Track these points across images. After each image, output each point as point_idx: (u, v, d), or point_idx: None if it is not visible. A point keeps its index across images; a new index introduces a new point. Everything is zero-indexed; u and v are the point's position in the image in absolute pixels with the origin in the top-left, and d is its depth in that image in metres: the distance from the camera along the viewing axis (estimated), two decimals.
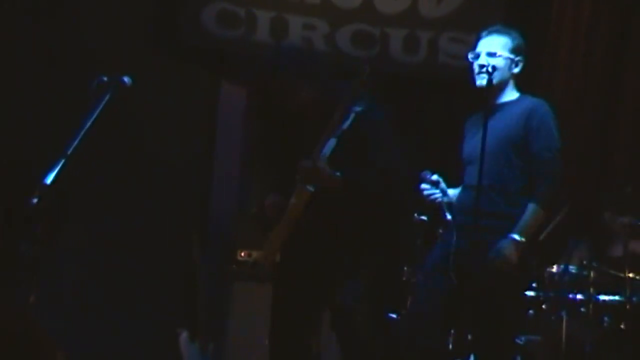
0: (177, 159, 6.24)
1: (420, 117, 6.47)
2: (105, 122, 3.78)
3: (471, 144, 4.38)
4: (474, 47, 4.44)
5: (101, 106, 3.79)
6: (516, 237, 4.15)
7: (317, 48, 6.20)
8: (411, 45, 6.30)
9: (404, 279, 5.59)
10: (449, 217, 4.29)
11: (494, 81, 4.28)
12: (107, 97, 3.82)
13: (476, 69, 4.36)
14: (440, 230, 5.57)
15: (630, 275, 5.13)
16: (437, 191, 4.33)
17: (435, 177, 4.32)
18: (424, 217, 5.53)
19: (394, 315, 5.54)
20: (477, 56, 4.37)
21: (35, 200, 3.54)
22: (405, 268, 5.61)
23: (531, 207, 4.20)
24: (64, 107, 5.17)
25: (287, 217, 4.14)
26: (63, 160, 3.64)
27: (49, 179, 3.58)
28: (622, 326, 5.07)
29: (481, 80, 4.33)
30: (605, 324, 5.12)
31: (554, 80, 6.44)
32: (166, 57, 6.16)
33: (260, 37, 6.22)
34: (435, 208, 4.33)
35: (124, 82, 3.89)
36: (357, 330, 4.17)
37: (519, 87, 4.46)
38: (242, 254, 5.90)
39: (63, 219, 4.89)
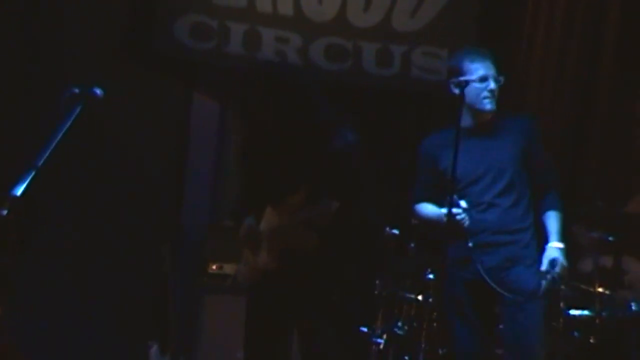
0: (148, 171, 6.21)
1: (393, 130, 6.48)
2: (77, 134, 3.75)
3: (468, 163, 4.33)
4: (461, 68, 4.40)
5: (72, 118, 3.76)
6: (560, 244, 4.29)
7: (290, 61, 6.20)
8: (384, 58, 6.32)
9: (375, 292, 5.59)
10: (470, 244, 4.26)
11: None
12: (78, 109, 3.79)
13: (485, 93, 4.37)
14: (412, 245, 5.60)
15: (600, 290, 5.16)
16: (467, 216, 4.26)
17: (464, 203, 4.26)
18: (395, 231, 5.53)
19: (364, 329, 5.54)
20: (485, 80, 4.37)
21: (4, 212, 3.51)
22: (377, 281, 5.61)
23: (555, 214, 4.37)
24: (34, 118, 5.14)
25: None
26: (33, 172, 3.61)
27: (19, 191, 3.55)
28: (591, 340, 5.09)
29: (491, 105, 4.39)
30: (575, 339, 5.14)
31: (526, 96, 6.47)
32: (139, 68, 6.14)
33: (233, 50, 6.21)
34: (460, 234, 4.25)
35: (95, 93, 3.86)
36: (322, 352, 4.17)
37: None
38: (214, 267, 5.88)
39: (32, 231, 4.85)
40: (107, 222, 6.04)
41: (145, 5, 6.21)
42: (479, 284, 4.28)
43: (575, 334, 5.13)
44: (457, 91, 4.36)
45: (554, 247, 4.30)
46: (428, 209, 4.50)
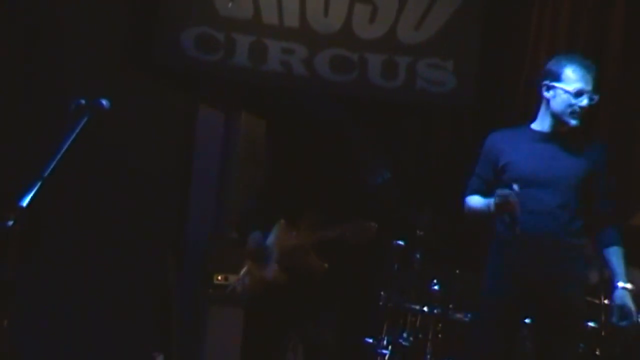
0: (153, 182, 6.22)
1: (398, 141, 6.49)
2: (82, 144, 3.76)
3: (532, 166, 4.28)
4: (558, 73, 4.31)
5: (78, 129, 3.77)
6: (629, 285, 4.25)
7: (296, 72, 6.22)
8: (390, 70, 6.32)
9: (380, 303, 5.59)
10: (518, 231, 4.17)
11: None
12: (84, 120, 3.81)
13: (576, 109, 4.28)
14: (417, 256, 5.60)
15: (606, 302, 5.14)
16: (518, 201, 4.18)
17: (516, 187, 4.17)
18: (400, 242, 5.53)
19: (370, 340, 5.54)
20: (579, 95, 4.27)
21: (10, 223, 3.52)
22: (382, 293, 5.61)
23: (619, 251, 4.31)
24: (41, 129, 5.15)
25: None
26: (39, 183, 3.62)
27: (25, 202, 3.56)
28: (597, 352, 5.08)
29: (576, 121, 4.29)
30: (580, 350, 5.13)
31: (531, 101, 6.46)
32: (144, 80, 6.15)
33: (239, 61, 6.22)
34: (512, 217, 4.19)
35: (101, 105, 3.88)
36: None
37: None
38: (219, 278, 5.88)
39: (38, 242, 4.86)
40: (112, 233, 6.04)
41: (151, 17, 6.23)
42: (522, 296, 4.26)
43: (581, 345, 5.12)
44: (547, 95, 4.31)
45: (623, 290, 4.24)
46: (478, 200, 4.42)
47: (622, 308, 4.22)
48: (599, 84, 4.40)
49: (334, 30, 6.30)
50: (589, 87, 4.28)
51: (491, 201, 4.25)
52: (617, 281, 4.26)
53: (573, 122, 4.29)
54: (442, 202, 5.85)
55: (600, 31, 6.44)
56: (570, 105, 4.28)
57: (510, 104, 6.36)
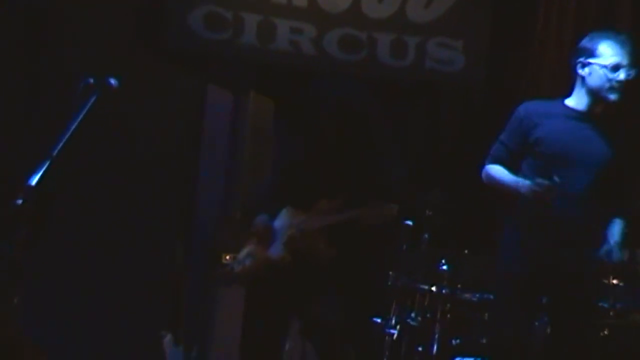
0: (161, 163, 6.21)
1: (407, 121, 6.47)
2: (91, 124, 3.76)
3: (565, 145, 4.26)
4: (593, 49, 4.26)
5: (87, 108, 3.77)
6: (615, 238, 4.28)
7: (305, 52, 6.20)
8: (399, 49, 6.30)
9: (389, 283, 5.59)
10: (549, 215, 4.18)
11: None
12: (93, 99, 3.81)
13: (614, 84, 4.24)
14: (425, 236, 5.59)
15: (615, 282, 5.14)
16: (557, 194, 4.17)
17: (557, 179, 4.13)
18: (409, 222, 5.52)
19: (378, 320, 5.54)
20: (616, 69, 4.23)
21: (19, 202, 3.53)
22: (391, 273, 5.61)
23: (620, 222, 4.32)
24: (50, 108, 5.15)
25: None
26: (48, 162, 3.63)
27: (34, 181, 3.57)
28: (605, 332, 5.08)
29: (615, 96, 4.25)
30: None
31: (541, 82, 6.44)
32: (152, 59, 6.14)
33: (247, 40, 6.20)
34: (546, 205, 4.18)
35: (110, 84, 3.88)
36: (329, 339, 4.19)
37: None
38: (227, 258, 5.88)
39: (47, 222, 4.87)
40: (121, 214, 6.05)
41: None
42: (539, 276, 4.27)
43: None
44: (582, 72, 4.26)
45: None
46: (504, 173, 4.36)
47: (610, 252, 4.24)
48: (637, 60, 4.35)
49: (342, 9, 6.27)
50: (625, 61, 4.24)
51: (525, 183, 4.21)
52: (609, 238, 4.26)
53: (612, 96, 4.25)
54: (451, 182, 5.85)
55: (609, 9, 6.41)
56: (609, 80, 4.23)
57: (519, 82, 6.34)
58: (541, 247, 4.25)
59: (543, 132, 4.28)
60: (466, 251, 5.60)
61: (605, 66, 4.23)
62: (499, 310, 4.54)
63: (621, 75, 4.22)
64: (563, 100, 4.37)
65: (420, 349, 5.41)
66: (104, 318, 5.88)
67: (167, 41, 6.19)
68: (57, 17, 5.99)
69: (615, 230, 4.32)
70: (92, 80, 3.85)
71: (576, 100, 4.33)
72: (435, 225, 5.53)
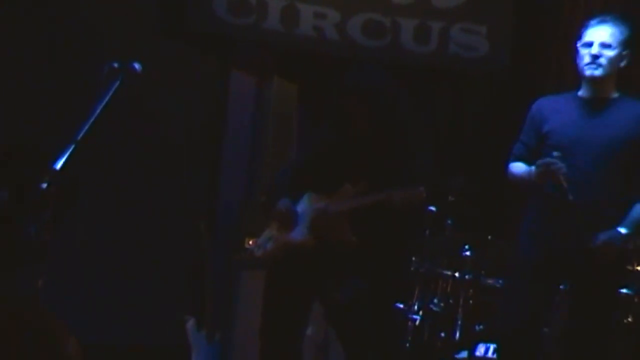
0: (185, 148, 6.24)
1: (430, 107, 6.46)
2: (115, 109, 3.78)
3: (570, 132, 4.25)
4: (580, 35, 4.30)
5: (111, 92, 3.79)
6: (622, 230, 4.20)
7: (328, 37, 6.19)
8: (422, 35, 6.27)
9: (411, 269, 5.59)
10: (571, 197, 4.14)
11: (604, 73, 4.23)
12: (117, 84, 3.82)
13: (587, 58, 4.23)
14: (449, 222, 5.59)
15: (639, 268, 5.11)
16: (563, 165, 4.16)
17: (557, 153, 4.17)
18: (432, 208, 5.52)
19: (401, 306, 5.54)
20: (589, 45, 4.24)
21: (44, 186, 3.55)
22: (414, 258, 5.61)
23: (638, 206, 4.24)
24: (74, 92, 5.17)
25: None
26: (73, 146, 3.65)
27: (59, 165, 3.59)
28: (629, 319, 5.06)
29: (592, 71, 4.23)
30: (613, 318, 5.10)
31: (565, 68, 6.40)
32: (176, 44, 6.15)
33: (270, 25, 6.20)
34: (559, 184, 4.15)
35: (134, 68, 3.89)
36: (355, 325, 4.18)
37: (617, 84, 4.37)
38: (251, 242, 5.89)
39: (71, 205, 4.90)
40: (145, 198, 6.08)
41: None
42: (556, 262, 4.25)
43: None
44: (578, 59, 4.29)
45: (615, 230, 4.20)
46: (521, 168, 4.38)
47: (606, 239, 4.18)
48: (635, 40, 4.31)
49: None
50: (598, 38, 4.23)
51: (532, 170, 4.25)
52: (620, 226, 4.22)
53: (587, 72, 4.25)
54: (474, 167, 5.84)
55: None
56: (583, 58, 4.26)
57: (545, 69, 6.30)
58: (557, 233, 4.25)
59: (552, 125, 4.31)
60: (489, 237, 5.58)
61: (582, 45, 4.27)
62: (507, 294, 4.55)
63: (593, 49, 4.22)
64: (577, 92, 4.37)
65: (442, 334, 5.41)
66: (127, 303, 5.92)
67: (191, 26, 6.19)
68: (81, 2, 6.02)
69: (634, 213, 4.27)
70: (116, 65, 3.86)
71: (583, 89, 4.36)
72: (459, 210, 5.52)
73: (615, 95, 4.35)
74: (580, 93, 4.36)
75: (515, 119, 4.61)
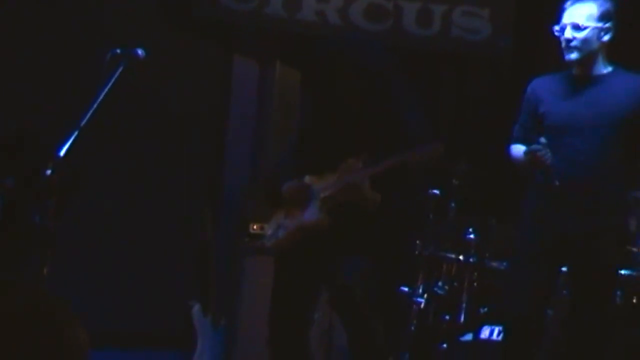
0: (189, 134, 6.23)
1: (433, 90, 6.45)
2: (118, 95, 3.78)
3: (564, 111, 4.24)
4: (558, 18, 4.26)
5: (114, 78, 3.79)
6: None
7: (331, 22, 6.18)
8: (424, 18, 6.27)
9: (416, 252, 5.59)
10: (557, 182, 4.15)
11: (581, 55, 4.19)
12: (120, 70, 3.82)
13: (563, 43, 4.20)
14: (452, 205, 5.59)
15: None
16: (548, 152, 4.15)
17: (543, 139, 4.16)
18: (436, 191, 5.52)
19: (405, 289, 5.55)
20: (563, 30, 4.20)
21: (48, 173, 3.55)
22: (418, 241, 5.61)
23: None
24: (78, 79, 5.17)
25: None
26: (76, 133, 3.65)
27: (63, 152, 3.59)
28: (634, 300, 5.06)
29: (570, 55, 4.20)
30: (617, 299, 5.11)
31: None
32: (179, 30, 6.15)
33: (273, 11, 6.19)
34: (545, 170, 4.17)
35: (137, 54, 3.89)
36: (357, 308, 4.16)
37: (609, 57, 4.31)
38: (255, 227, 5.89)
39: (76, 192, 4.90)
40: (149, 183, 6.08)
41: None
42: (557, 244, 4.25)
43: (618, 293, 5.10)
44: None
45: None
46: (518, 150, 4.37)
47: None
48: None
49: None
50: (570, 20, 4.19)
51: (522, 154, 4.26)
52: None
53: (567, 56, 4.22)
54: (478, 150, 5.83)
55: None
56: (560, 42, 4.23)
57: (547, 50, 6.28)
58: (555, 215, 4.24)
59: (546, 105, 4.29)
60: (493, 220, 5.58)
61: (558, 30, 4.23)
62: (511, 277, 4.56)
63: (566, 33, 4.19)
64: (572, 70, 4.35)
65: (447, 317, 5.42)
66: (133, 288, 5.93)
67: (194, 11, 6.18)
68: None
69: None
70: (119, 51, 3.86)
71: (574, 68, 4.32)
72: (463, 194, 5.52)
73: (608, 69, 4.30)
74: (573, 71, 4.32)
75: (518, 101, 4.60)
